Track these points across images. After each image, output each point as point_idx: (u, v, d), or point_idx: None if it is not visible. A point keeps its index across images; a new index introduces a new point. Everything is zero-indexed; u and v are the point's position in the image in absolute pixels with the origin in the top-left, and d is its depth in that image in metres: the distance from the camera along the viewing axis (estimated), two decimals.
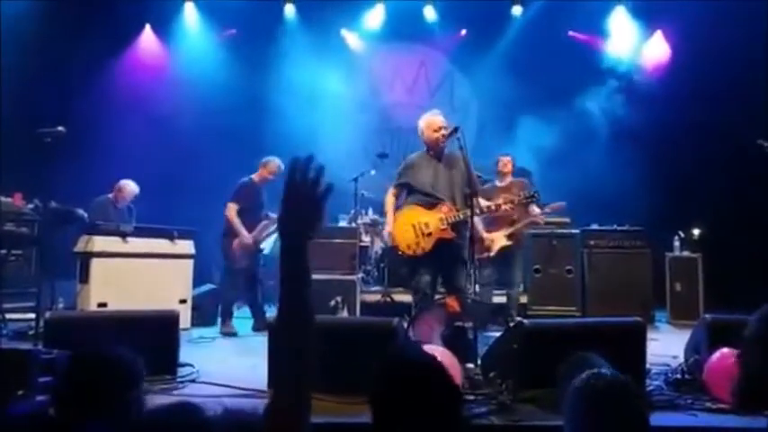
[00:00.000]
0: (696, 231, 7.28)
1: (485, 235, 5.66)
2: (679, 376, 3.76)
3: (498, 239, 5.75)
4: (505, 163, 6.06)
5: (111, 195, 6.63)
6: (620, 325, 4.07)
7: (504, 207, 4.51)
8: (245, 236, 5.93)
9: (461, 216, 4.39)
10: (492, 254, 5.74)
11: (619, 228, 6.59)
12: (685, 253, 7.18)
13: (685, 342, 4.24)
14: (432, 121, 4.57)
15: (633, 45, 8.84)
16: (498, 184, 6.04)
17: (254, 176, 6.16)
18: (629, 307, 5.41)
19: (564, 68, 8.56)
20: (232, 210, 5.97)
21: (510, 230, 5.80)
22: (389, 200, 4.76)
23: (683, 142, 7.81)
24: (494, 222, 5.73)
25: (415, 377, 1.57)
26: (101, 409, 1.75)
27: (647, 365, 3.89)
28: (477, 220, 5.42)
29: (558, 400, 3.25)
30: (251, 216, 6.01)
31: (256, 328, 5.90)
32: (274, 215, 5.78)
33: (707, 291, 6.86)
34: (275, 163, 6.10)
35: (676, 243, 7.24)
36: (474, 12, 9.02)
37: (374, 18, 9.24)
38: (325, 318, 5.20)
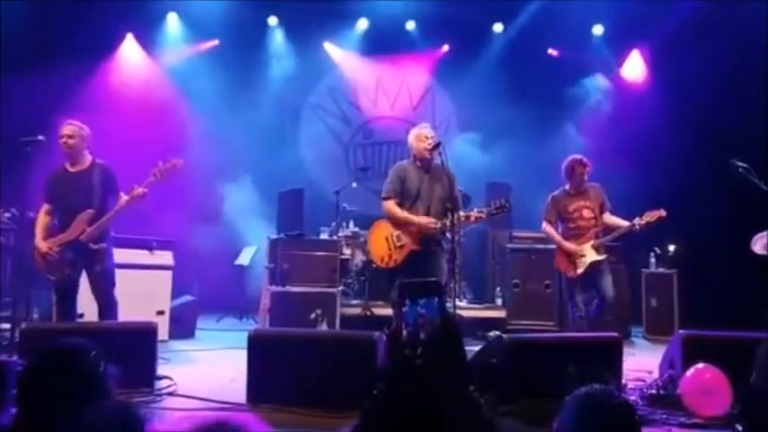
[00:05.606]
0: (671, 248, 7.40)
1: (572, 247, 5.21)
2: (654, 391, 3.82)
3: (589, 252, 5.19)
4: (583, 170, 5.34)
5: None
6: (598, 340, 4.13)
7: (473, 217, 4.50)
8: (37, 241, 4.45)
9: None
10: (580, 271, 5.17)
11: None
12: (661, 269, 7.31)
13: (660, 357, 4.32)
14: (419, 134, 4.70)
15: (611, 63, 9.02)
16: (570, 190, 5.41)
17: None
18: (605, 322, 5.47)
19: (544, 85, 8.70)
20: (40, 210, 4.58)
21: (598, 242, 5.22)
22: (398, 210, 4.57)
23: (659, 159, 7.96)
24: (578, 235, 5.28)
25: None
26: (62, 404, 1.71)
27: (623, 380, 3.95)
28: (556, 234, 5.35)
29: (540, 412, 3.29)
30: (60, 215, 4.48)
31: None
32: None
33: (682, 306, 6.97)
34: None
35: (652, 259, 7.37)
36: (456, 28, 9.13)
37: (357, 32, 9.30)
38: (306, 331, 5.20)
